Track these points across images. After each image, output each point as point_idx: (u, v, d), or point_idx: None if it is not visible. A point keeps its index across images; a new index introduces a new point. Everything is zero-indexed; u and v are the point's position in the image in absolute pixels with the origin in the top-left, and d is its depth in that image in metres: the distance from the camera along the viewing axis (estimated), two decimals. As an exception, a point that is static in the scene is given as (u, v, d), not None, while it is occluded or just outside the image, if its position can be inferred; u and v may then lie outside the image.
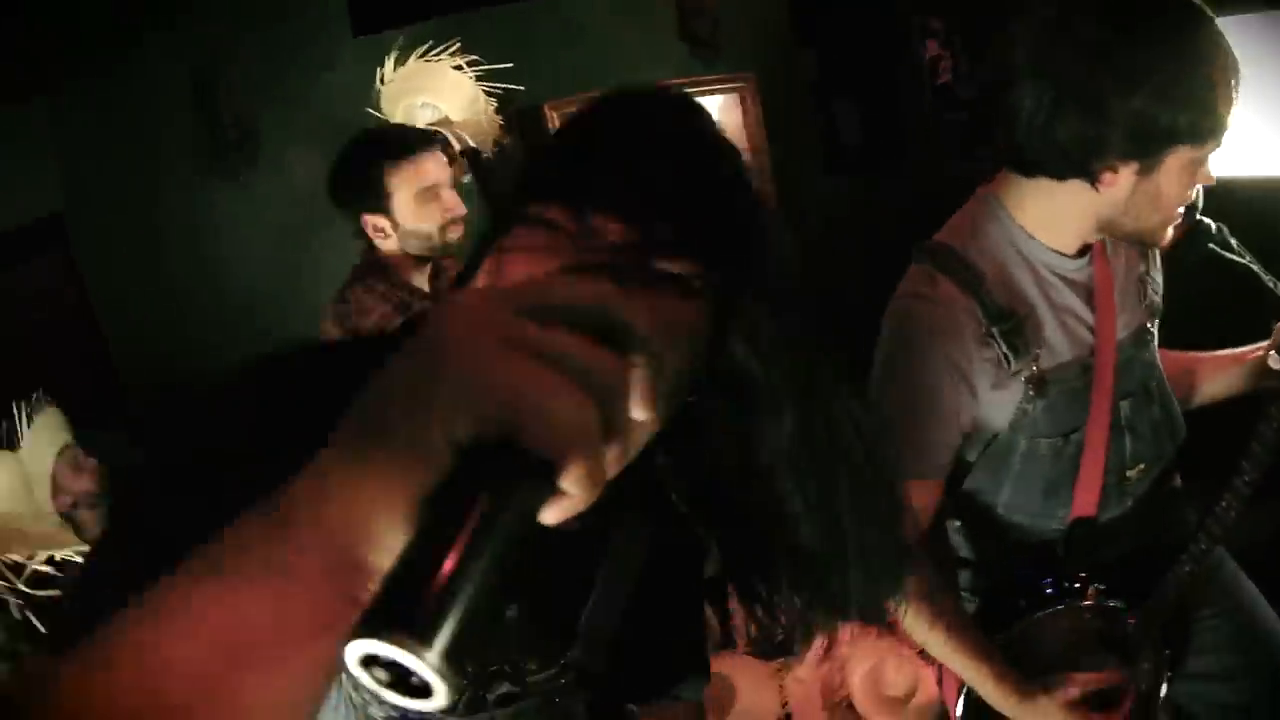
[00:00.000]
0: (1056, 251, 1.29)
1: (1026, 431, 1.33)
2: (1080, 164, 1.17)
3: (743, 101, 3.56)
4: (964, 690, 1.47)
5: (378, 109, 2.46)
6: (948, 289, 1.27)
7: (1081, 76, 1.12)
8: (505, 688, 0.80)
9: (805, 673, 2.18)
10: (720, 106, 3.53)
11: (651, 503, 0.84)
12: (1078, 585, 1.41)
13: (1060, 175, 1.21)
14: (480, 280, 0.69)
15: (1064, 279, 1.31)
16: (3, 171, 2.78)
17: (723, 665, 2.21)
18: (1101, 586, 1.40)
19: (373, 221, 1.96)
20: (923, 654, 1.89)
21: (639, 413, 0.41)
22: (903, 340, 1.31)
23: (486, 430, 0.36)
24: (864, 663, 2.07)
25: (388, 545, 0.37)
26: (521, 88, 2.48)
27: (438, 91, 2.43)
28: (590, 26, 3.18)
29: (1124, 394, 1.35)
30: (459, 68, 2.48)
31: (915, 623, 1.36)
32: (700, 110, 0.74)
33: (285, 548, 0.37)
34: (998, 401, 1.30)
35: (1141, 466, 1.40)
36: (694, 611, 1.01)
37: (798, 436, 0.75)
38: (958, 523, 1.53)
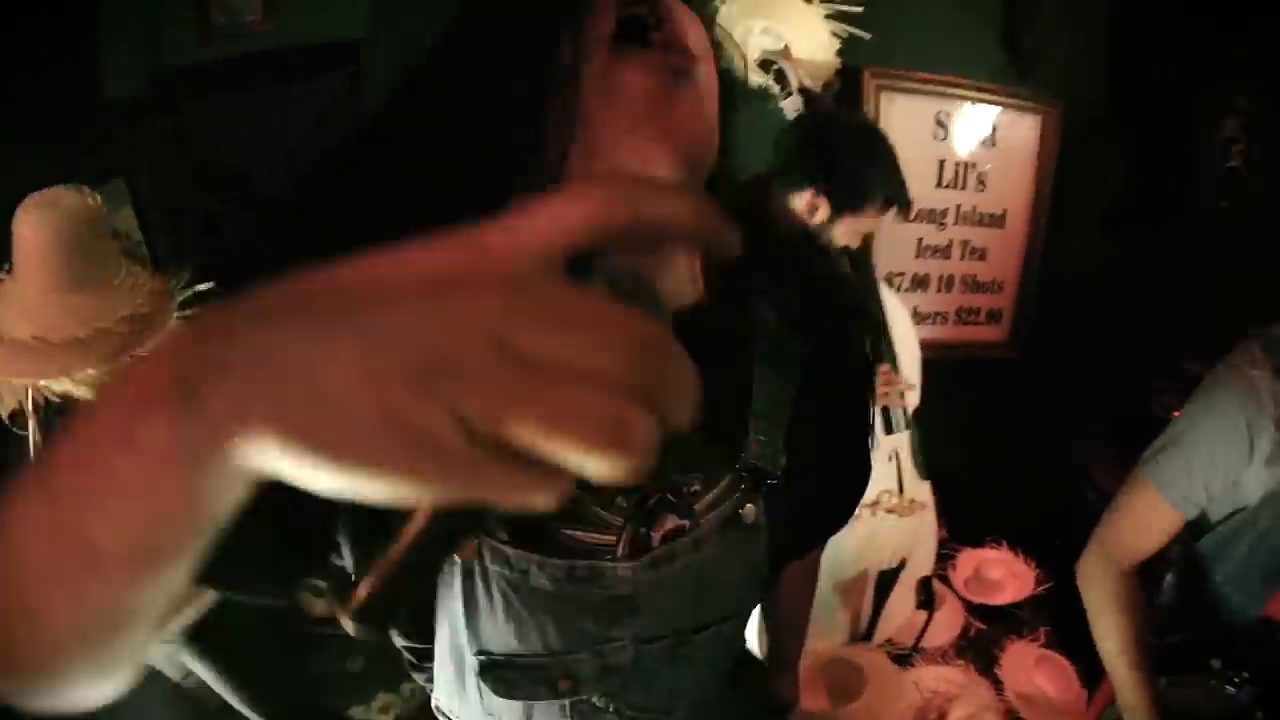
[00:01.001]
0: None
1: (1268, 516, 1.45)
2: None
3: (1043, 126, 3.31)
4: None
5: (712, 24, 2.35)
6: (1263, 369, 1.40)
7: None
8: (671, 521, 0.74)
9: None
10: (1019, 124, 3.29)
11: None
12: (1239, 680, 1.49)
13: None
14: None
15: None
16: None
17: (856, 655, 2.33)
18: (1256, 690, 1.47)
19: None
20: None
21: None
22: (1216, 380, 1.47)
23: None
24: (964, 709, 2.22)
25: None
26: (868, 35, 2.32)
27: (784, 20, 2.30)
28: (929, 5, 2.99)
29: None
30: (809, 1, 2.34)
31: (1109, 624, 1.53)
32: None
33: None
34: (1263, 477, 1.43)
35: None
36: (859, 420, 0.97)
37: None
38: (1172, 576, 1.67)
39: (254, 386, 0.30)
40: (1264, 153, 3.41)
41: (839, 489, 1.01)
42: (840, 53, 2.47)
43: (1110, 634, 1.55)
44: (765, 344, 0.81)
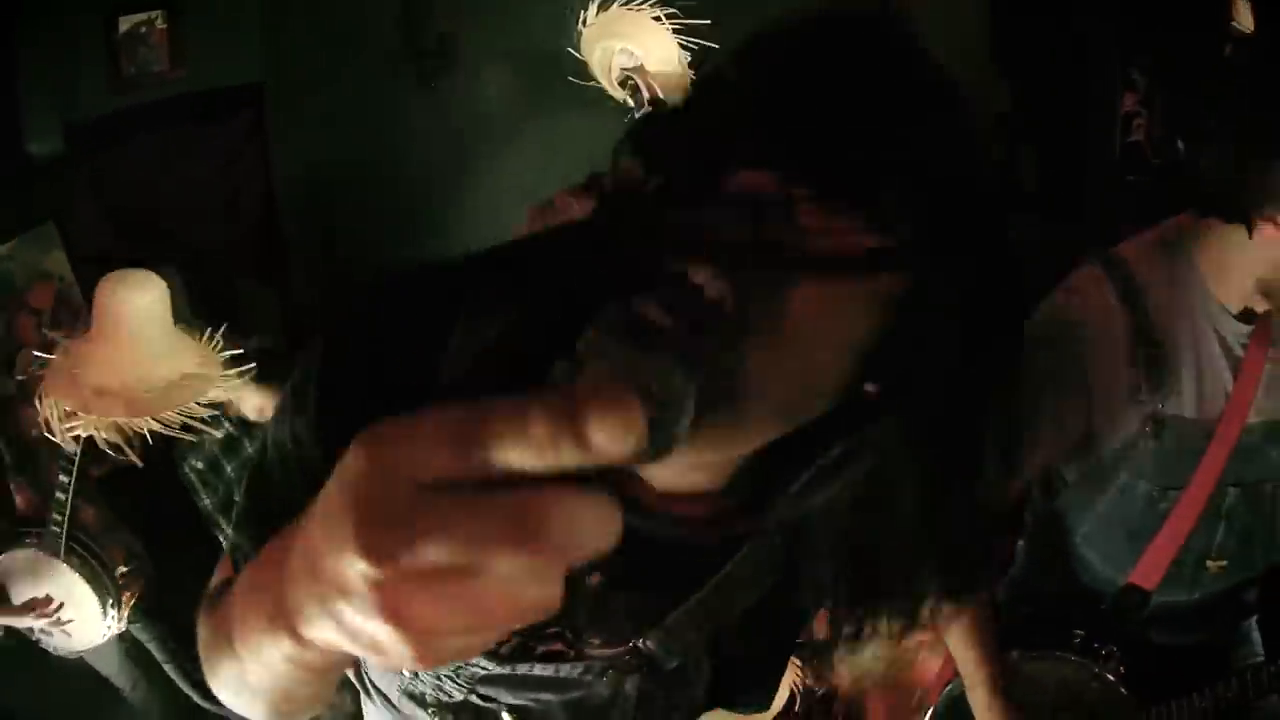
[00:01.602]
0: (1221, 305, 1.26)
1: (1129, 468, 1.32)
2: (1247, 206, 1.15)
3: None
4: (947, 688, 1.51)
5: (577, 49, 2.54)
6: (1109, 298, 1.26)
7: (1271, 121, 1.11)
8: (557, 646, 0.76)
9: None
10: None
11: (786, 535, 0.74)
12: (1105, 653, 1.39)
13: (1227, 215, 1.18)
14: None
15: (1220, 337, 1.28)
16: (211, 37, 2.99)
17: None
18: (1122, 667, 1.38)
19: None
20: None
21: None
22: (1049, 332, 1.28)
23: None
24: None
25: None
26: (717, 45, 2.51)
27: (636, 38, 2.49)
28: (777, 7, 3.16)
29: (1235, 480, 1.30)
30: (658, 18, 2.52)
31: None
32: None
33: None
34: (1114, 426, 1.29)
35: (1223, 564, 1.35)
36: (784, 651, 0.94)
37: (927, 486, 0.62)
38: (1024, 542, 1.54)
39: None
40: (1166, 126, 3.54)
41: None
42: (696, 63, 2.64)
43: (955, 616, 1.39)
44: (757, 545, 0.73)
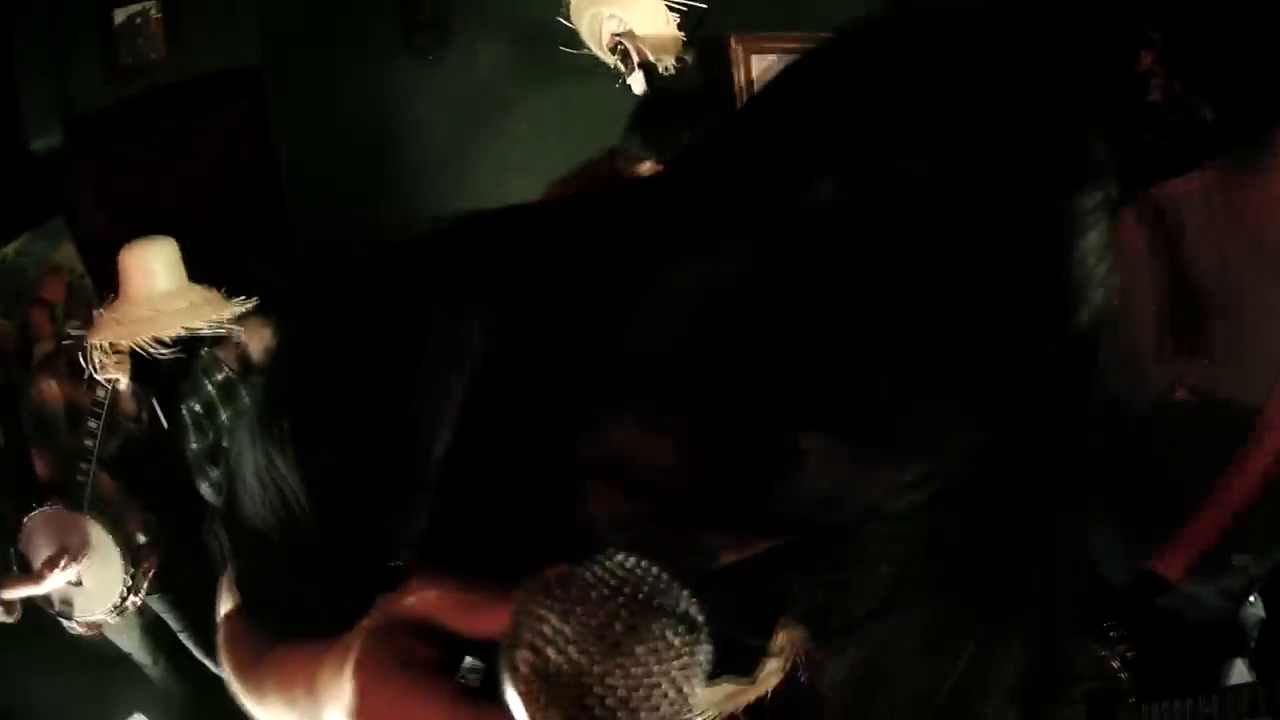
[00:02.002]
0: None
1: (1160, 440, 1.12)
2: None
3: None
4: None
5: (566, 17, 2.53)
6: (1135, 242, 1.04)
7: None
8: None
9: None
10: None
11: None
12: (1114, 635, 1.22)
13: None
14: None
15: None
16: (207, 22, 3.01)
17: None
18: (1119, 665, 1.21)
19: None
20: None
21: None
22: None
23: None
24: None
25: None
26: (704, 6, 2.49)
27: (623, 3, 2.47)
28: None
29: None
30: (643, -19, 2.51)
31: None
32: None
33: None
34: (1136, 391, 1.10)
35: (1248, 559, 1.19)
36: None
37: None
38: None
39: None
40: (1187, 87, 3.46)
41: None
42: (700, 23, 2.62)
43: None
44: None
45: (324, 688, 0.43)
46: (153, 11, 3.21)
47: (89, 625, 2.11)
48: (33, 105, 3.17)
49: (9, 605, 2.04)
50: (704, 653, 0.36)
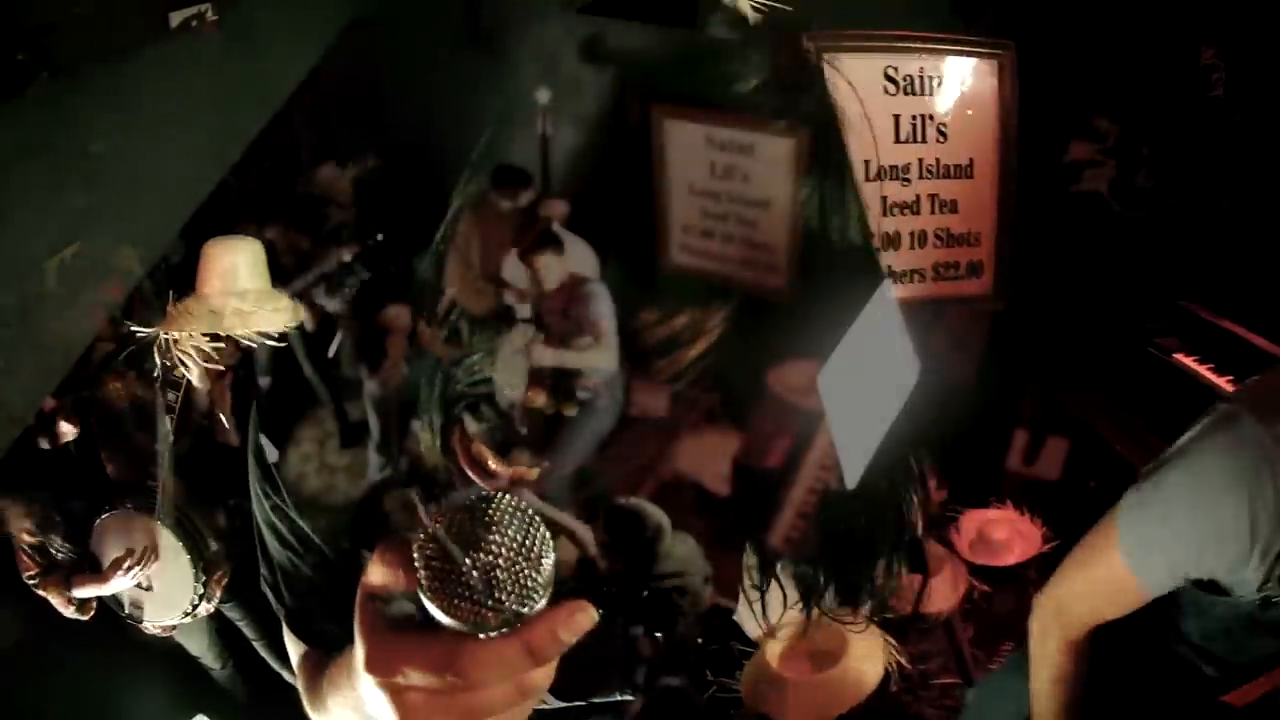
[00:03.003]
0: None
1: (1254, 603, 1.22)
2: None
3: (1000, 71, 3.36)
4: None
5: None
6: (1266, 438, 1.12)
7: None
8: None
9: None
10: (973, 71, 3.35)
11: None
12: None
13: None
14: None
15: None
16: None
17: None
18: None
19: None
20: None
21: None
22: (1216, 445, 1.18)
23: None
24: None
25: None
26: (790, 8, 2.45)
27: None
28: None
29: None
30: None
31: (1044, 679, 1.42)
32: None
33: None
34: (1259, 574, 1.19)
35: None
36: None
37: None
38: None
39: None
40: (1250, 78, 3.35)
41: None
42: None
43: (1044, 690, 1.42)
44: None
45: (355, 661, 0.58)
46: (208, 14, 3.22)
47: (161, 629, 2.11)
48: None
49: (82, 604, 2.04)
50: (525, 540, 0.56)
